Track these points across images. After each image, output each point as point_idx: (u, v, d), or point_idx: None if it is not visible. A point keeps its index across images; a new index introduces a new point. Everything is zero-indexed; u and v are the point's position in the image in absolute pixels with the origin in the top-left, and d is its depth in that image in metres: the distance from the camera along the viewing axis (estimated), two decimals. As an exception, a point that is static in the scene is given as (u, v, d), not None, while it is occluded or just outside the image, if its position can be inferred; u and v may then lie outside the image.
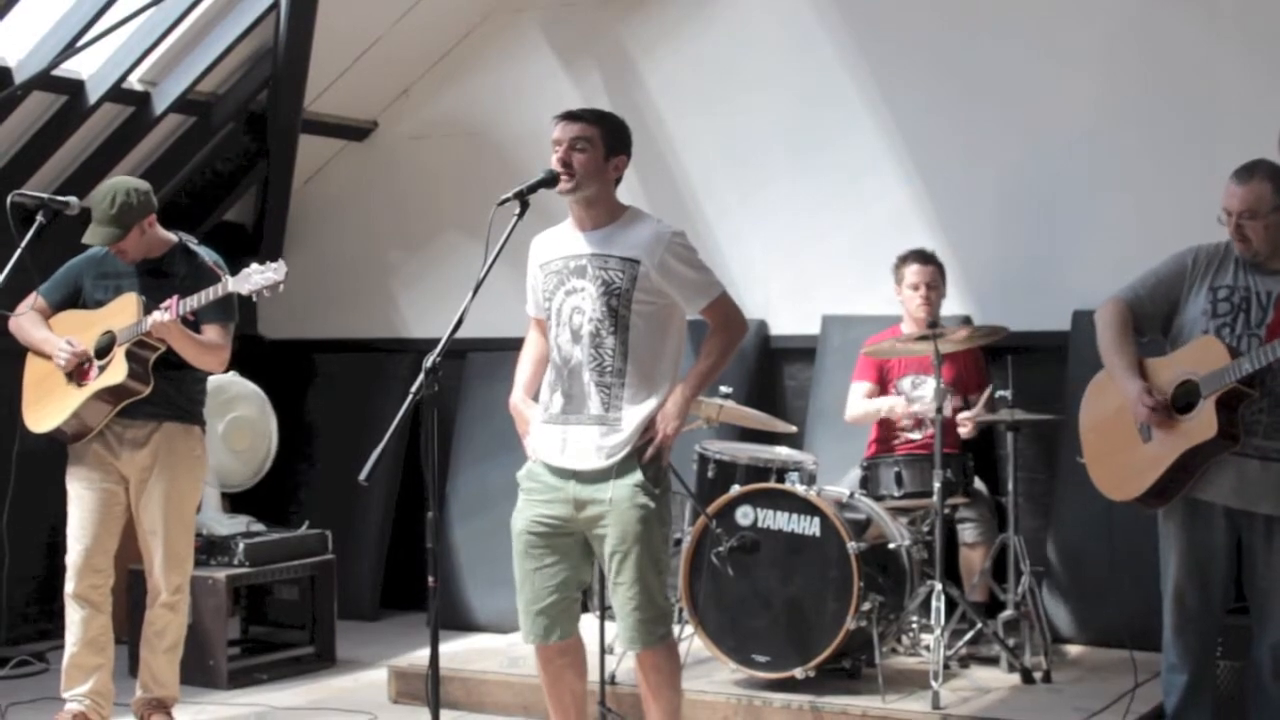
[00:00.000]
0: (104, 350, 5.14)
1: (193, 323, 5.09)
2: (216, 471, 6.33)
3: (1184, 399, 4.44)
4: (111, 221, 5.11)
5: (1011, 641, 5.45)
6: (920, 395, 5.90)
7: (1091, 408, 4.75)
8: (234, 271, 5.26)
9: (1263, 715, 4.57)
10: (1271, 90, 5.53)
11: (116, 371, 5.07)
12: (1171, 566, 4.59)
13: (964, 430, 5.76)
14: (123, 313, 5.14)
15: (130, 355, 5.06)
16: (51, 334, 5.23)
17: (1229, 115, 5.77)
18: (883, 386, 6.04)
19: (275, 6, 6.59)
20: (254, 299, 5.02)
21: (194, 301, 5.00)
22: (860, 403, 6.01)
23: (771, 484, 5.34)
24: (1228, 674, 4.87)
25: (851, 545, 5.09)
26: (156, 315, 4.99)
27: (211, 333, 5.16)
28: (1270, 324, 4.42)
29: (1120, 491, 4.62)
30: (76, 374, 5.17)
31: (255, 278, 4.94)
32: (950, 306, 6.15)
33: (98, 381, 5.12)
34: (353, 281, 7.87)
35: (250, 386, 6.51)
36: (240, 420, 6.42)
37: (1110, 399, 4.64)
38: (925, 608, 5.32)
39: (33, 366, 5.33)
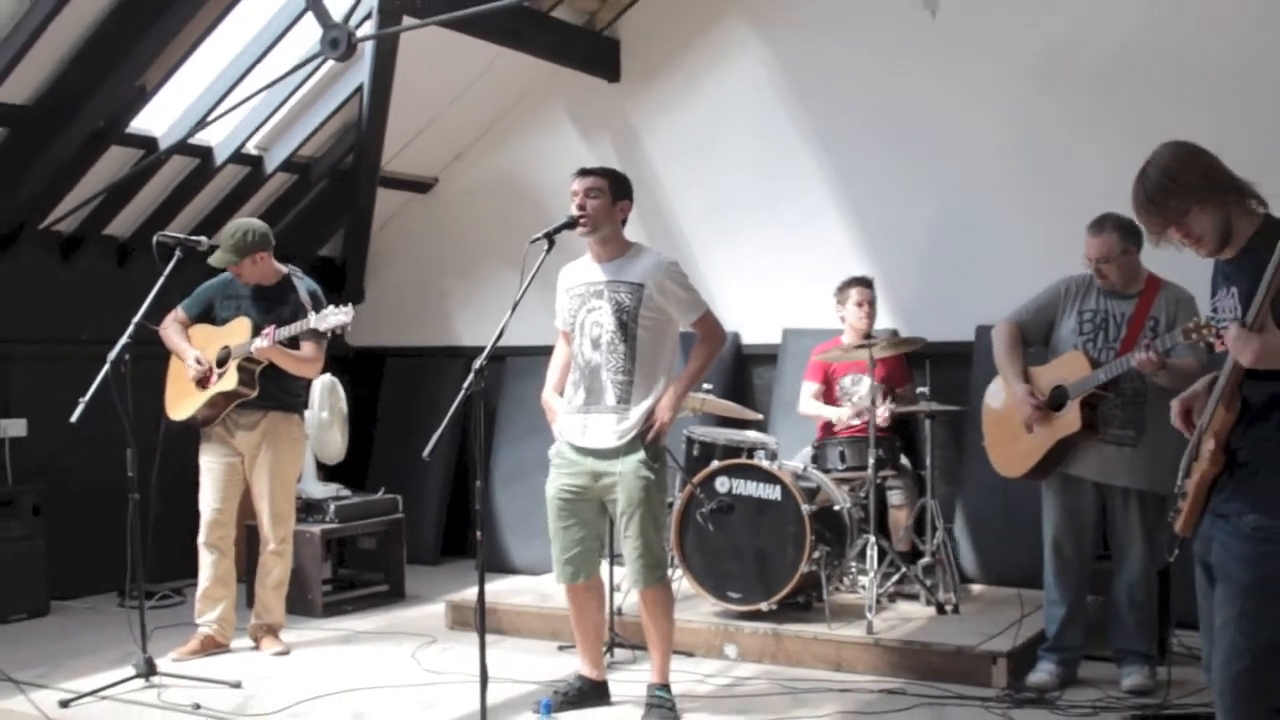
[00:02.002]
0: (222, 361, 5.20)
1: (294, 340, 5.14)
2: (326, 446, 6.34)
3: (1057, 400, 4.49)
4: (232, 250, 5.17)
5: (929, 582, 5.43)
6: (858, 390, 5.92)
7: (989, 405, 4.78)
8: (327, 294, 5.34)
9: (1119, 637, 4.62)
10: (1114, 162, 5.50)
11: (229, 380, 5.15)
12: (1051, 525, 4.63)
13: (880, 416, 5.64)
14: (237, 333, 5.20)
15: (240, 368, 5.13)
16: (188, 345, 5.28)
17: (1091, 182, 5.72)
18: (827, 383, 6.03)
19: (360, 89, 6.62)
20: (335, 333, 5.06)
21: (287, 332, 5.05)
22: (811, 403, 6.00)
23: (743, 460, 5.32)
24: (1094, 607, 4.89)
25: (805, 507, 5.08)
26: (259, 341, 5.05)
27: (308, 349, 5.20)
28: (1124, 339, 4.46)
29: (1011, 470, 4.66)
30: (201, 379, 5.24)
31: (330, 318, 4.97)
32: (881, 321, 6.14)
33: (215, 387, 5.19)
34: (417, 302, 7.86)
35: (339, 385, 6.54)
36: (341, 407, 6.47)
37: (1003, 399, 4.68)
38: (862, 556, 5.32)
39: (172, 366, 5.37)
